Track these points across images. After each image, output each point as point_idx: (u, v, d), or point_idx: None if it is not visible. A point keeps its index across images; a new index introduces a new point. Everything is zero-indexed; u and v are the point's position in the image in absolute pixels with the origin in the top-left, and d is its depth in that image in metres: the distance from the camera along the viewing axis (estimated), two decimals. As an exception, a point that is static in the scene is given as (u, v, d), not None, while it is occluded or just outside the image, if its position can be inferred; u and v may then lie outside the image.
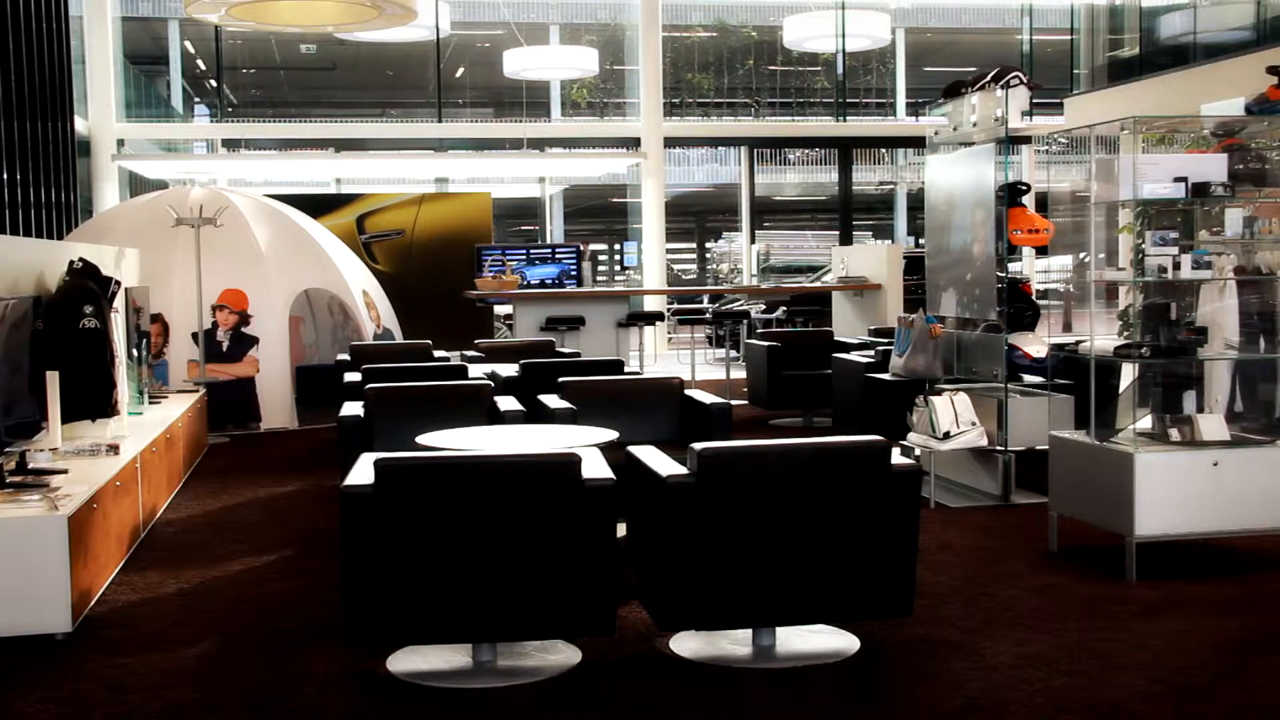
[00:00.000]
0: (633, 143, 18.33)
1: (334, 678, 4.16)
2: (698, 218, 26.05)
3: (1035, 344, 6.70)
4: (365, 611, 4.01)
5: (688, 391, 6.55)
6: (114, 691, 4.05)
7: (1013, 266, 6.87)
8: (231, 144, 18.22)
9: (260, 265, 10.50)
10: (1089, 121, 5.94)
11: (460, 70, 21.96)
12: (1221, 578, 5.26)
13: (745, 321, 13.14)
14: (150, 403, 8.06)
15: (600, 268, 24.22)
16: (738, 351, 13.88)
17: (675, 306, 16.93)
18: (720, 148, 21.50)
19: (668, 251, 18.99)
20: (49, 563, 4.53)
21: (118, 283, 7.13)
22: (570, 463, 4.05)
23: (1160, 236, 5.46)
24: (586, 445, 4.91)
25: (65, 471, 5.33)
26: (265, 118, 20.98)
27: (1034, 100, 6.74)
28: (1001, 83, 6.63)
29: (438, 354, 9.22)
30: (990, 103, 6.77)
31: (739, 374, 12.31)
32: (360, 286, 11.48)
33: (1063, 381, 6.75)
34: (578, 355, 9.17)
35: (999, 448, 6.81)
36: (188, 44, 20.31)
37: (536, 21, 20.83)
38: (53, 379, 5.50)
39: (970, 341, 7.07)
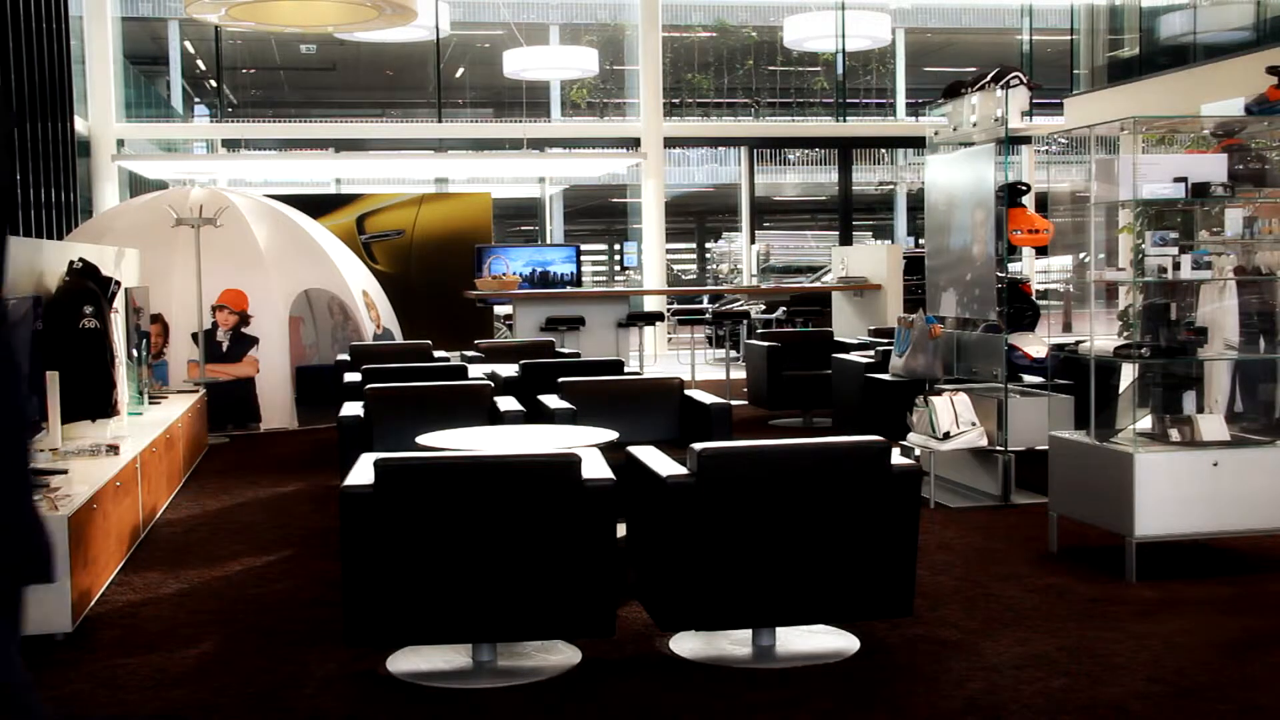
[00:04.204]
0: (632, 143, 18.33)
1: (334, 678, 4.16)
2: (698, 218, 26.05)
3: (1035, 344, 6.70)
4: (365, 611, 4.01)
5: (688, 391, 6.55)
6: (114, 691, 4.05)
7: (1013, 266, 6.88)
8: (231, 144, 18.21)
9: (260, 265, 10.50)
10: (1089, 121, 5.95)
11: (460, 70, 21.96)
12: (1221, 578, 5.26)
13: (745, 322, 13.14)
14: (150, 403, 8.06)
15: (600, 268, 24.22)
16: (737, 351, 13.88)
17: (675, 307, 16.93)
18: (720, 148, 21.49)
19: (668, 252, 18.99)
20: (49, 563, 4.52)
21: (118, 283, 7.13)
22: (570, 463, 4.05)
23: (1160, 237, 5.47)
24: (586, 445, 4.92)
25: (65, 471, 5.32)
26: (265, 118, 20.97)
27: (1034, 100, 6.74)
28: (1001, 83, 6.64)
29: (438, 354, 9.22)
30: (990, 103, 6.77)
31: (739, 374, 12.31)
32: (360, 287, 11.48)
33: (1063, 381, 6.75)
34: (578, 355, 9.17)
35: (999, 448, 6.81)
36: (188, 44, 20.32)
37: (536, 21, 20.83)
38: (53, 379, 5.50)
39: (970, 341, 7.07)
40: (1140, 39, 17.16)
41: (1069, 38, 19.29)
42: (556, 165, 19.07)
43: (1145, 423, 5.60)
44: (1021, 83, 6.63)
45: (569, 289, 13.29)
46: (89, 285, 6.46)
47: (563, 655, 4.31)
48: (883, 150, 22.69)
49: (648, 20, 18.07)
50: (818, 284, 15.81)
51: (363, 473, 4.12)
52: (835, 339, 10.59)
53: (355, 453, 4.81)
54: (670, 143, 18.89)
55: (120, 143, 17.08)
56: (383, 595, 4.00)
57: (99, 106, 16.77)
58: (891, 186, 23.95)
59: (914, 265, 12.76)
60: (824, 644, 4.40)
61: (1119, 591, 5.05)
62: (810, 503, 4.14)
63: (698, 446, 4.12)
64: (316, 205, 14.34)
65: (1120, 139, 6.20)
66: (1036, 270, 13.39)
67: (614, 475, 4.15)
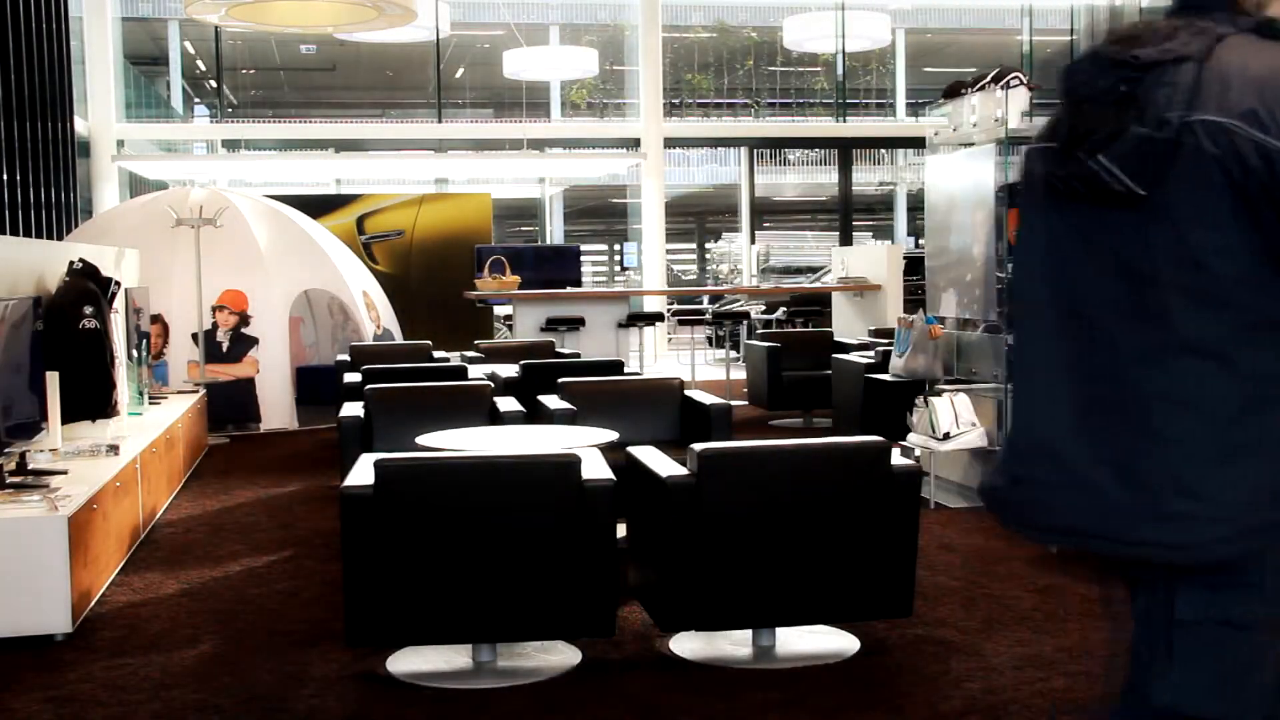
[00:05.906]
0: (633, 143, 18.33)
1: (334, 678, 4.16)
2: (698, 218, 26.07)
3: (1035, 344, 6.69)
4: (365, 611, 4.01)
5: (688, 392, 6.55)
6: (113, 692, 4.05)
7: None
8: (231, 144, 18.22)
9: (260, 266, 10.50)
10: (1089, 122, 5.94)
11: (460, 70, 21.97)
12: (1221, 578, 5.25)
13: (745, 322, 13.14)
14: (150, 403, 8.06)
15: (600, 268, 24.24)
16: (738, 352, 13.89)
17: (675, 307, 16.93)
18: (720, 148, 21.50)
19: (668, 252, 18.99)
20: (49, 563, 4.53)
21: (118, 283, 7.13)
22: (570, 463, 4.05)
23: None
24: (586, 445, 4.92)
25: (65, 472, 5.33)
26: (265, 118, 20.99)
27: (1034, 100, 6.74)
28: (1001, 83, 6.64)
29: (437, 354, 9.22)
30: (990, 103, 6.77)
31: (739, 374, 12.32)
32: (360, 287, 11.48)
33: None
34: (578, 356, 9.17)
35: (999, 448, 6.81)
36: (188, 44, 20.33)
37: (536, 22, 20.84)
38: (53, 379, 5.51)
39: (970, 341, 7.08)
40: (1140, 39, 17.14)
41: (1069, 38, 19.29)
42: (556, 165, 19.06)
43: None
44: (1021, 83, 6.63)
45: (569, 289, 13.29)
46: (89, 286, 6.46)
47: (563, 655, 4.31)
48: (883, 150, 22.70)
49: (648, 21, 18.06)
50: (818, 284, 15.81)
51: (363, 473, 4.12)
52: (835, 339, 10.59)
53: (355, 453, 4.81)
54: (670, 143, 18.88)
55: (120, 143, 17.08)
56: (383, 596, 4.00)
57: (99, 107, 16.77)
58: (891, 187, 23.96)
59: (914, 265, 12.76)
60: (824, 644, 4.40)
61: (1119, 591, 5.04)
62: (810, 503, 4.14)
63: (698, 446, 4.12)
64: (316, 205, 14.34)
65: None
66: (1036, 270, 13.36)
67: (614, 475, 4.15)
